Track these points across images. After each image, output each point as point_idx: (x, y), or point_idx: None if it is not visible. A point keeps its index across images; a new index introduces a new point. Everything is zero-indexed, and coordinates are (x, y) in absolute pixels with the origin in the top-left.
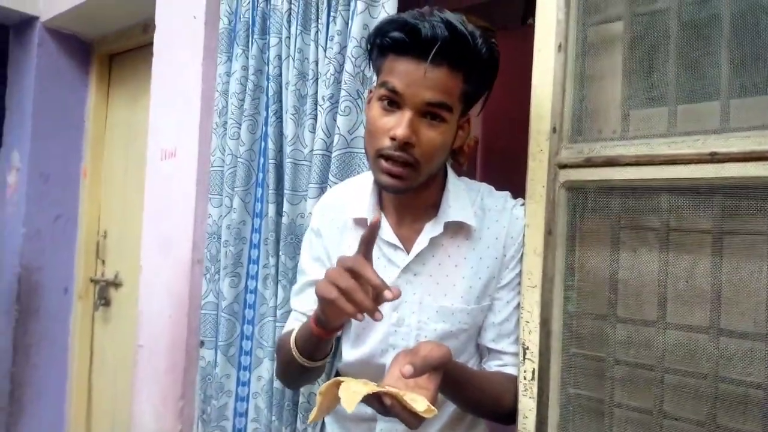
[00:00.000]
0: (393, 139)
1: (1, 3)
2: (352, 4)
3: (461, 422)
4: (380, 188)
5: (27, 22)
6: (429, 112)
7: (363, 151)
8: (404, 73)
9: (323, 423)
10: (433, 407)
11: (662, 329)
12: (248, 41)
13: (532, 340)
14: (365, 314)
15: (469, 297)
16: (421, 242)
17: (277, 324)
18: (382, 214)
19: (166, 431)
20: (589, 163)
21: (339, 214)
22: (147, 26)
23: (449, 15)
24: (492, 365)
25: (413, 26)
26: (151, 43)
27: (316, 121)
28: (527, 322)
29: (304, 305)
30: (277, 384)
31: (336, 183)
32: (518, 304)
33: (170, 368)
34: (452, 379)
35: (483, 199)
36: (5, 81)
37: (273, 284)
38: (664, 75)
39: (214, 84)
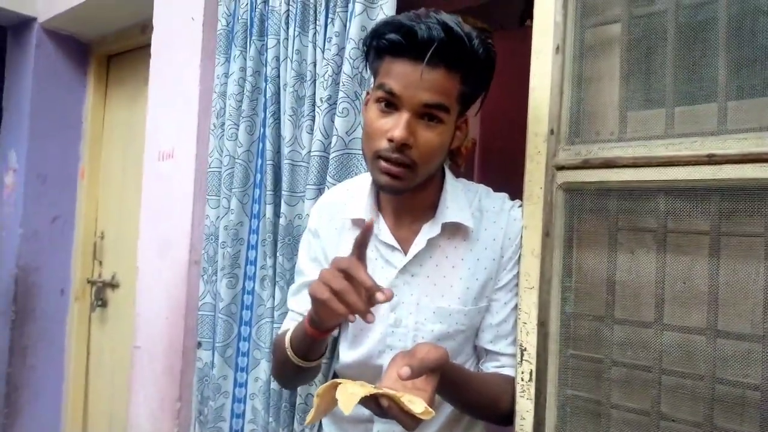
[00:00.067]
0: (390, 140)
1: None
2: (350, 5)
3: (459, 423)
4: (378, 189)
5: (25, 23)
6: (426, 114)
7: (361, 152)
8: (401, 74)
9: (320, 424)
10: (430, 409)
11: (659, 331)
12: (246, 42)
13: (530, 342)
14: (358, 316)
15: (467, 298)
16: (419, 243)
17: (275, 325)
18: (380, 215)
19: None
20: (587, 165)
21: (337, 214)
22: (145, 27)
23: (445, 16)
24: (489, 366)
25: (409, 28)
26: (149, 44)
27: (314, 123)
28: (525, 323)
29: (301, 305)
30: (274, 385)
31: (334, 184)
32: (516, 306)
33: (167, 369)
34: (449, 381)
35: (481, 201)
36: (3, 82)
37: (270, 285)
38: (662, 77)
39: (212, 85)
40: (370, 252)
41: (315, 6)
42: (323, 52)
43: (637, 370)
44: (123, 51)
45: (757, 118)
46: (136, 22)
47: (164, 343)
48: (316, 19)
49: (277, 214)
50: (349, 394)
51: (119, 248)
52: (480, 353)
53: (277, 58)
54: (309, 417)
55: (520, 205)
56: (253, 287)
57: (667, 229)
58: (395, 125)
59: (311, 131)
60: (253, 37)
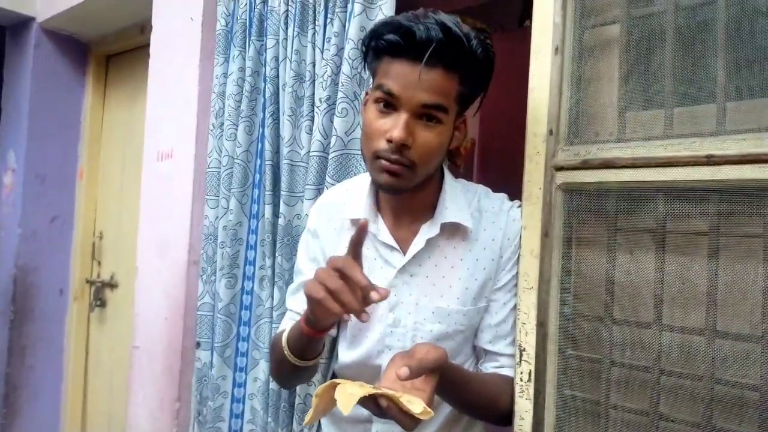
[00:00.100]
0: (389, 141)
1: None
2: (349, 6)
3: (457, 423)
4: (377, 188)
5: (24, 22)
6: (425, 114)
7: (360, 152)
8: (399, 75)
9: (319, 424)
10: (429, 409)
11: (658, 331)
12: (245, 43)
13: (529, 342)
14: (354, 315)
15: (466, 298)
16: (418, 243)
17: (274, 325)
18: (379, 216)
19: None
20: (586, 165)
21: (336, 214)
22: (144, 27)
23: (444, 17)
24: (488, 367)
25: (407, 29)
26: (148, 44)
27: (313, 123)
28: (524, 323)
29: (299, 305)
30: (273, 385)
31: (333, 184)
32: (515, 306)
33: (166, 370)
34: (449, 381)
35: (480, 201)
36: (1, 82)
37: (269, 285)
38: (661, 78)
39: (210, 85)
40: (370, 252)
41: (314, 6)
42: (322, 53)
43: (636, 370)
44: (122, 51)
45: (755, 119)
46: (135, 22)
47: (163, 343)
48: (315, 20)
49: (276, 214)
50: (348, 395)
51: (118, 248)
52: (479, 353)
53: (276, 59)
54: (308, 417)
55: (519, 206)
56: (252, 287)
57: (666, 229)
58: (394, 126)
59: (310, 131)
60: (252, 38)
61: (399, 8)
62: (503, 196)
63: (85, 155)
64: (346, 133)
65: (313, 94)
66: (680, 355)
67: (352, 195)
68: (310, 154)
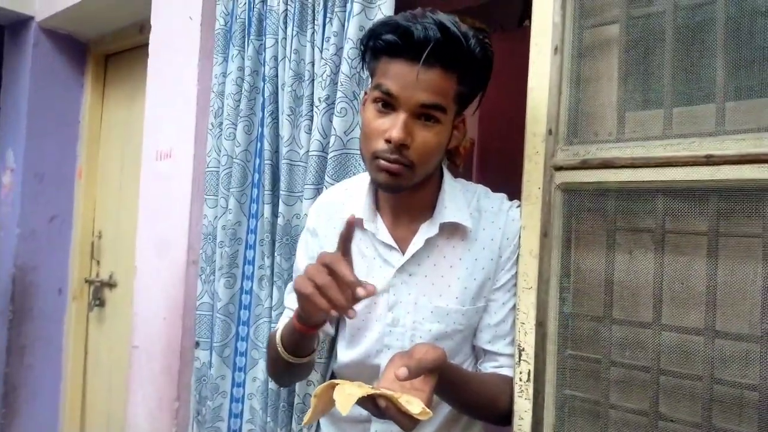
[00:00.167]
0: (388, 141)
1: None
2: (349, 5)
3: (457, 423)
4: (376, 188)
5: (22, 22)
6: (423, 114)
7: (359, 152)
8: (398, 75)
9: (318, 424)
10: (428, 410)
11: (658, 331)
12: (244, 42)
13: (528, 342)
14: (341, 312)
15: (464, 298)
16: (417, 243)
17: (272, 325)
18: (378, 215)
19: None
20: (585, 165)
21: (335, 214)
22: (143, 26)
23: (442, 16)
24: (488, 367)
25: (405, 28)
26: (147, 44)
27: (312, 122)
28: (523, 323)
29: (296, 303)
30: (272, 385)
31: (332, 184)
32: (514, 306)
33: (165, 369)
34: (448, 381)
35: (479, 201)
36: (0, 81)
37: (268, 285)
38: (660, 77)
39: (210, 85)
40: (369, 251)
41: (313, 6)
42: (321, 52)
43: (635, 370)
44: (121, 50)
45: (755, 119)
46: (134, 22)
47: (162, 342)
48: (314, 19)
49: (275, 213)
50: (347, 395)
51: (117, 248)
52: (478, 353)
53: (275, 58)
54: (306, 417)
55: (519, 206)
56: (251, 287)
57: (665, 229)
58: (392, 126)
59: (309, 131)
60: (251, 37)
61: (398, 8)
62: (502, 195)
63: (83, 154)
64: (345, 132)
65: (312, 93)
66: (679, 355)
67: (352, 194)
68: (309, 153)
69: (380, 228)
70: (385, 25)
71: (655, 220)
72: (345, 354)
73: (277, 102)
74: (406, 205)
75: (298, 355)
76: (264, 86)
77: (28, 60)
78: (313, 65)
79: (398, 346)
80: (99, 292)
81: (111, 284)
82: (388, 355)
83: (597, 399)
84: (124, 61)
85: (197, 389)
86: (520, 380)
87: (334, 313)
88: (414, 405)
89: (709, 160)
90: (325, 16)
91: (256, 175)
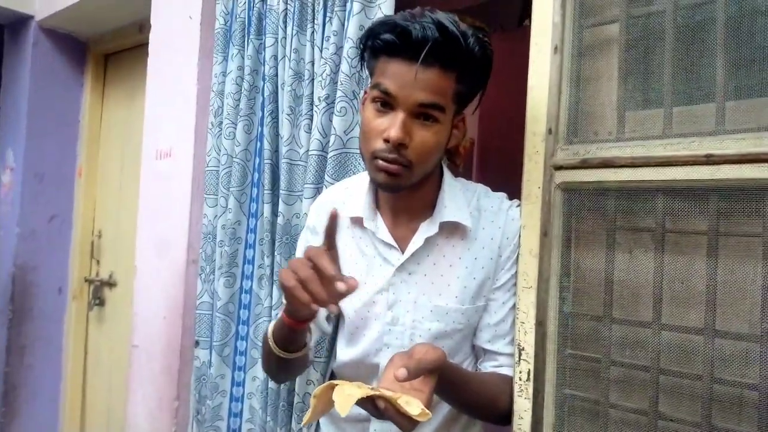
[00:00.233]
0: (386, 140)
1: None
2: (348, 4)
3: (456, 423)
4: (376, 187)
5: (22, 21)
6: (422, 113)
7: (359, 151)
8: (396, 74)
9: (318, 423)
10: (427, 411)
11: (657, 330)
12: (244, 41)
13: (528, 341)
14: (321, 306)
15: (464, 297)
16: (416, 242)
17: None
18: (378, 214)
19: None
20: (585, 165)
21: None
22: (142, 26)
23: (441, 15)
24: (487, 366)
25: (404, 28)
26: (147, 43)
27: (312, 122)
28: (523, 323)
29: None
30: (272, 384)
31: (332, 183)
32: (514, 305)
33: (165, 369)
34: (447, 381)
35: (479, 200)
36: (0, 80)
37: (268, 284)
38: (660, 77)
39: (209, 84)
40: (369, 250)
41: (313, 5)
42: (321, 51)
43: (635, 369)
44: (120, 50)
45: (755, 119)
46: (134, 21)
47: (162, 342)
48: (314, 18)
49: (275, 213)
50: (346, 396)
51: (117, 247)
52: (478, 353)
53: (275, 57)
54: (306, 418)
55: (518, 205)
56: (251, 286)
57: (665, 229)
58: (391, 125)
59: (309, 130)
60: (251, 36)
61: (398, 7)
62: (502, 195)
63: (83, 154)
64: (345, 131)
65: (312, 92)
66: (679, 355)
67: (352, 193)
68: (309, 152)
69: (380, 227)
70: (384, 25)
71: (655, 220)
72: (344, 353)
73: (276, 101)
74: (406, 204)
75: (289, 350)
76: (264, 85)
77: (28, 59)
78: (312, 64)
79: (398, 345)
80: (99, 291)
81: (111, 284)
82: (387, 354)
83: (597, 398)
84: (123, 61)
85: (197, 388)
86: (520, 379)
87: (315, 306)
88: (413, 406)
89: (709, 160)
90: (324, 16)
91: (256, 175)
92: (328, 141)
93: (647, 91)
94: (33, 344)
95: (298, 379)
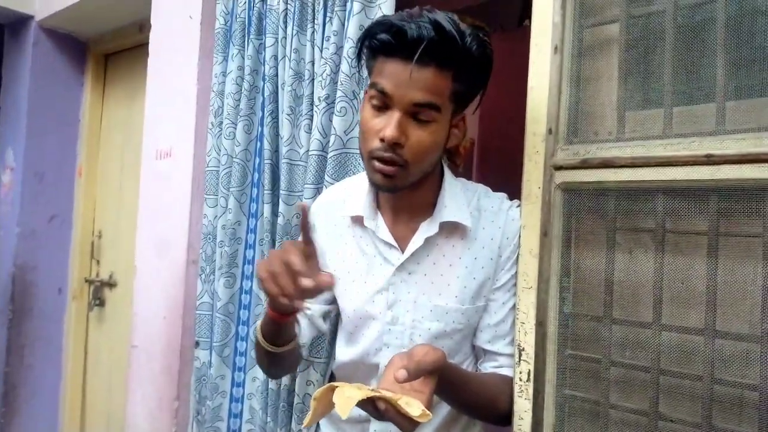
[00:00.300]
0: (382, 140)
1: None
2: (349, 4)
3: (456, 423)
4: (373, 187)
5: (22, 21)
6: (417, 113)
7: (358, 151)
8: (392, 74)
9: (318, 424)
10: (428, 411)
11: (658, 331)
12: (244, 41)
13: (528, 342)
14: (299, 303)
15: (464, 297)
16: (416, 241)
17: None
18: (379, 213)
19: None
20: (585, 165)
21: (335, 211)
22: (143, 26)
23: (439, 15)
24: (488, 366)
25: (399, 27)
26: (147, 43)
27: (312, 122)
28: (523, 323)
29: None
30: (272, 385)
31: (332, 183)
32: (514, 306)
33: (165, 369)
34: (447, 382)
35: (479, 200)
36: (0, 80)
37: None
38: (660, 77)
39: (209, 84)
40: (369, 249)
41: (313, 5)
42: (321, 51)
43: (635, 370)
44: (121, 49)
45: (755, 119)
46: (134, 21)
47: (162, 342)
48: (314, 18)
49: (275, 213)
50: (346, 398)
51: (117, 247)
52: (478, 353)
53: (275, 57)
54: (306, 420)
55: (519, 205)
56: (251, 287)
57: (666, 229)
58: (387, 125)
59: (309, 130)
60: (251, 36)
61: (398, 7)
62: (503, 195)
63: (83, 154)
64: (345, 132)
65: (312, 92)
66: (680, 355)
67: (352, 192)
68: (309, 152)
69: (380, 226)
70: (380, 25)
71: (655, 220)
72: (344, 352)
73: (277, 101)
74: (406, 203)
75: (276, 344)
76: (264, 85)
77: (28, 59)
78: (313, 64)
79: (397, 345)
80: (99, 291)
81: (111, 284)
82: (387, 354)
83: (597, 399)
84: (124, 61)
85: (197, 389)
86: (520, 380)
87: (284, 300)
88: (413, 407)
89: (710, 160)
90: (325, 15)
91: (256, 175)
92: (328, 141)
93: (647, 91)
94: (33, 344)
95: (297, 380)
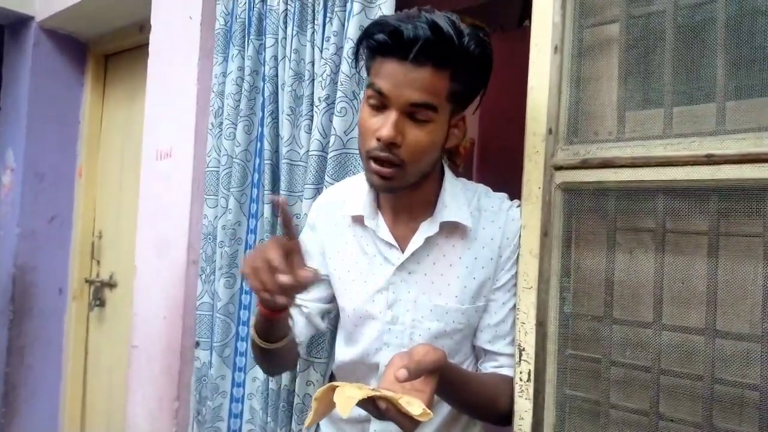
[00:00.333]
0: (379, 139)
1: None
2: (349, 5)
3: (457, 422)
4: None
5: (22, 21)
6: (414, 113)
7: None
8: (389, 74)
9: (318, 424)
10: (428, 411)
11: (658, 331)
12: (244, 42)
13: (528, 342)
14: (280, 299)
15: (464, 297)
16: (417, 241)
17: None
18: (379, 213)
19: None
20: (585, 165)
21: (336, 210)
22: (143, 26)
23: (437, 15)
24: (488, 367)
25: (395, 28)
26: (147, 44)
27: (312, 122)
28: (523, 323)
29: None
30: (272, 385)
31: (332, 184)
32: (514, 306)
33: (165, 369)
34: (448, 382)
35: (479, 200)
36: (0, 80)
37: None
38: (660, 77)
39: (210, 84)
40: (370, 248)
41: (313, 5)
42: (321, 52)
43: (635, 370)
44: (121, 50)
45: (755, 119)
46: (134, 22)
47: (162, 342)
48: (314, 19)
49: (275, 213)
50: (347, 397)
51: (117, 248)
52: (478, 353)
53: (275, 58)
54: (307, 420)
55: (519, 205)
56: None
57: (666, 229)
58: (383, 124)
59: (309, 131)
60: (251, 37)
61: (399, 7)
62: (503, 195)
63: (83, 154)
64: (345, 132)
65: (312, 93)
66: (680, 355)
67: (353, 192)
68: (309, 153)
69: (381, 225)
70: (377, 25)
71: (655, 220)
72: (344, 352)
73: (277, 102)
74: (406, 203)
75: (269, 340)
76: (264, 86)
77: (29, 59)
78: (313, 65)
79: (397, 344)
80: (99, 292)
81: (111, 284)
82: (387, 353)
83: (597, 399)
84: (123, 61)
85: (197, 389)
86: (521, 380)
87: (265, 294)
88: (414, 406)
89: (710, 160)
90: (325, 16)
91: (256, 175)
92: (328, 141)
93: (647, 91)
94: (33, 344)
95: (297, 380)
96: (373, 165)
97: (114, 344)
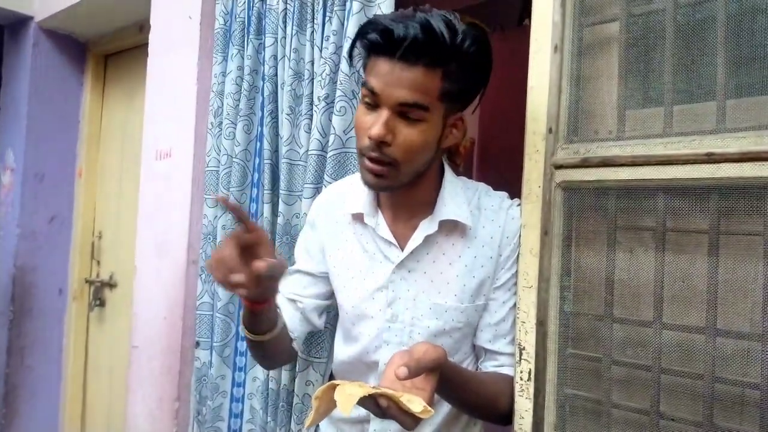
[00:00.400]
0: (370, 138)
1: None
2: (348, 4)
3: (457, 421)
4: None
5: (22, 21)
6: (406, 112)
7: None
8: (380, 73)
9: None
10: (429, 408)
11: (659, 329)
12: (244, 41)
13: (529, 341)
14: (242, 291)
15: (463, 295)
16: (416, 239)
17: None
18: (379, 211)
19: None
20: (585, 164)
21: (336, 209)
22: (142, 26)
23: (433, 14)
24: (488, 366)
25: (386, 27)
26: (147, 44)
27: (311, 121)
28: (523, 322)
29: (286, 288)
30: (272, 385)
31: (331, 183)
32: (514, 305)
33: (165, 369)
34: (447, 380)
35: (480, 199)
36: (0, 80)
37: None
38: (660, 75)
39: (209, 84)
40: (370, 246)
41: (313, 4)
42: (321, 51)
43: (636, 369)
44: (120, 50)
45: (755, 117)
46: (134, 21)
47: (162, 342)
48: (313, 18)
49: (275, 213)
50: (348, 395)
51: (117, 248)
52: (479, 352)
53: (275, 57)
54: (308, 420)
55: (519, 204)
56: None
57: (666, 227)
58: (374, 123)
59: (309, 130)
60: (251, 36)
61: (398, 6)
62: (503, 194)
63: (83, 154)
64: (344, 131)
65: (312, 92)
66: (681, 354)
67: (353, 190)
68: (309, 152)
69: (380, 223)
70: (371, 24)
71: (655, 219)
72: (343, 350)
73: (276, 101)
74: (406, 201)
75: (255, 332)
76: (263, 85)
77: (28, 60)
78: (312, 64)
79: (397, 342)
80: (99, 292)
81: (111, 284)
82: (386, 351)
83: (598, 398)
84: (123, 61)
85: (197, 389)
86: (521, 379)
87: (231, 290)
88: (415, 404)
89: (710, 158)
90: (324, 15)
91: (256, 175)
92: (328, 141)
93: (647, 89)
94: (33, 345)
95: (297, 380)
96: (367, 162)
97: (114, 344)
